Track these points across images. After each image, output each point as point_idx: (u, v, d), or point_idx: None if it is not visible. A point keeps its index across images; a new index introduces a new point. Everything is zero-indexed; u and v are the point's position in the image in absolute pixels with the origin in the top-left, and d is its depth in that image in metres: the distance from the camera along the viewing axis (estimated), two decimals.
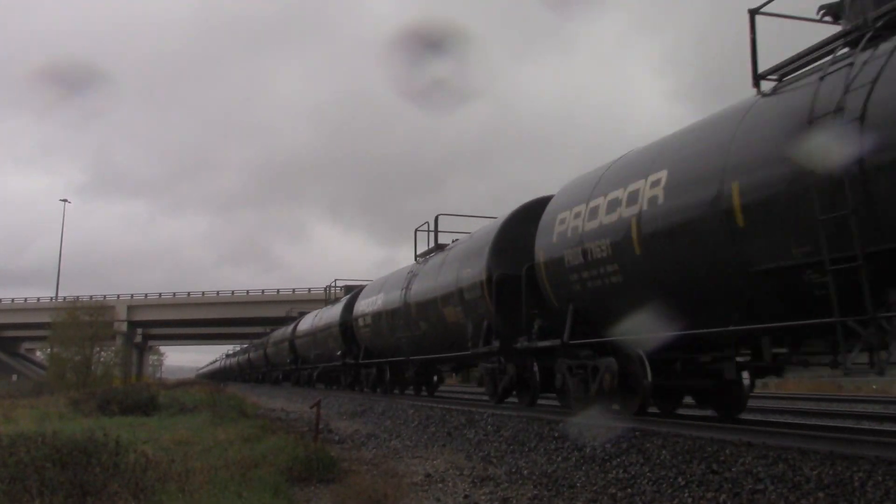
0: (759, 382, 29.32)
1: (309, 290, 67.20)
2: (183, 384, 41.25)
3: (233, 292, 74.82)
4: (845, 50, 6.69)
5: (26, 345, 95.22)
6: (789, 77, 7.33)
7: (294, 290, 69.72)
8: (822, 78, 6.50)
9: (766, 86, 7.47)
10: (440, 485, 6.68)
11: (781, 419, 11.25)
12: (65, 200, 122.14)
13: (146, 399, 15.44)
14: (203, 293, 75.82)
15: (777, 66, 7.44)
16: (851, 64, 6.30)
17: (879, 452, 5.41)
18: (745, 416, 9.98)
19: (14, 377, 69.82)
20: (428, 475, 7.12)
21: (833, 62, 6.58)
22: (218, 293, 75.27)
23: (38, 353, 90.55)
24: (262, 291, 73.09)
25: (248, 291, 74.20)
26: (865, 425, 9.73)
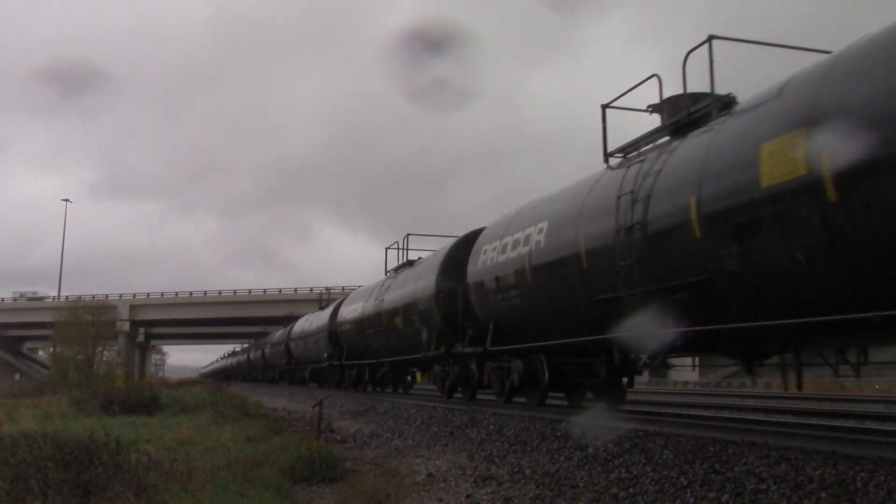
0: (760, 382, 29.44)
1: (311, 289, 67.21)
2: (185, 383, 41.30)
3: (235, 292, 74.91)
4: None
5: (29, 344, 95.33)
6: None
7: (296, 290, 69.77)
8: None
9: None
10: (442, 484, 6.68)
11: (784, 419, 11.24)
12: (66, 200, 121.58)
13: (148, 398, 15.47)
14: (205, 293, 75.91)
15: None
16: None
17: (882, 452, 5.41)
18: (747, 415, 9.98)
19: (17, 376, 70.01)
20: (430, 475, 7.13)
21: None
22: (220, 293, 75.37)
23: (41, 353, 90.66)
24: (265, 291, 73.17)
25: (250, 291, 74.28)
26: (868, 425, 9.72)
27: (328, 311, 27.71)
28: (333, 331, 25.49)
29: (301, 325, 33.38)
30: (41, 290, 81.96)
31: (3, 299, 79.14)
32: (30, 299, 77.60)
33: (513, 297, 11.38)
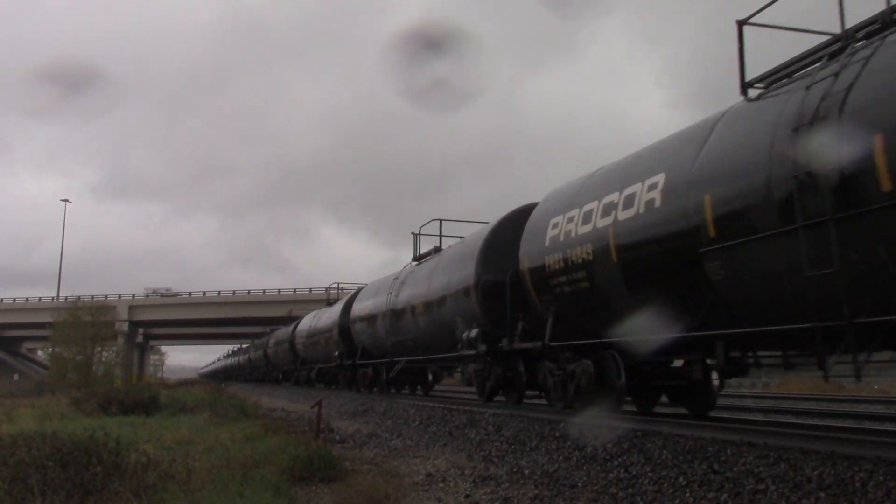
0: (759, 383, 29.43)
1: (310, 289, 67.22)
2: (184, 384, 41.26)
3: (234, 292, 74.86)
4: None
5: (27, 344, 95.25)
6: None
7: (295, 290, 69.79)
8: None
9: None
10: (441, 484, 6.67)
11: (783, 419, 11.25)
12: (65, 200, 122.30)
13: (147, 399, 15.44)
14: (204, 293, 75.88)
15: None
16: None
17: (881, 453, 5.41)
18: (746, 416, 9.99)
19: (15, 377, 69.80)
20: (429, 475, 7.12)
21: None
22: (219, 293, 75.33)
23: (40, 353, 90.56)
24: (264, 291, 73.15)
25: (248, 291, 74.27)
26: (867, 425, 9.72)
27: (339, 305, 25.65)
28: (345, 327, 23.73)
29: (308, 323, 30.97)
30: (173, 287, 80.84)
31: (124, 295, 76.89)
32: (163, 296, 77.27)
33: (580, 280, 9.80)
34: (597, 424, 7.91)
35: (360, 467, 7.76)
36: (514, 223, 12.81)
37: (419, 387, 21.65)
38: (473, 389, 14.25)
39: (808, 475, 5.10)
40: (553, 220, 10.59)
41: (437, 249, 17.94)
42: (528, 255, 11.24)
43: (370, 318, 20.91)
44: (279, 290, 72.02)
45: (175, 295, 77.12)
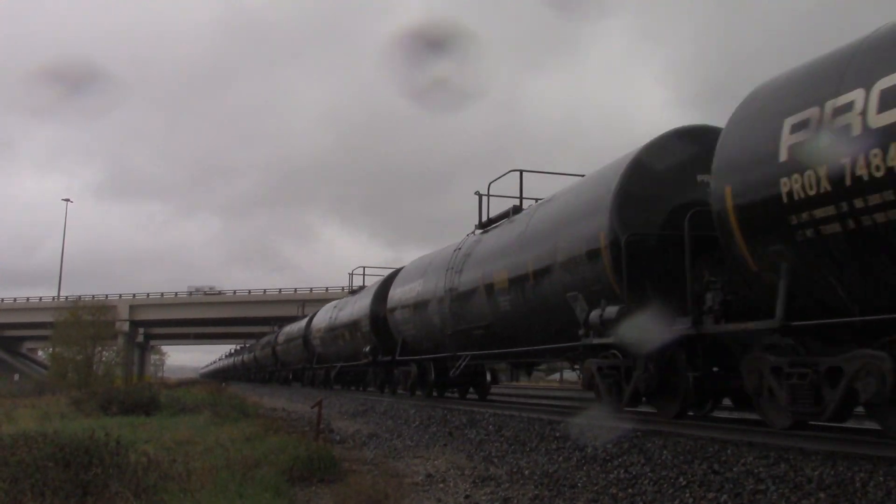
0: None
1: (311, 289, 67.32)
2: (184, 384, 41.29)
3: (235, 292, 74.95)
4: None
5: (28, 344, 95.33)
6: None
7: (296, 290, 69.84)
8: None
9: None
10: (441, 485, 6.67)
11: None
12: (66, 200, 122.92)
13: (147, 399, 15.44)
14: (205, 293, 75.90)
15: None
16: None
17: (881, 452, 5.41)
18: (746, 415, 9.95)
19: (16, 376, 69.88)
20: (429, 475, 7.12)
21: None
22: (220, 293, 75.37)
23: (40, 353, 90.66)
24: (264, 291, 73.24)
25: (249, 291, 74.33)
26: (867, 425, 9.70)
27: (369, 292, 21.82)
28: (379, 317, 19.85)
29: (327, 315, 26.64)
30: (216, 286, 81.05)
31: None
32: (206, 293, 77.37)
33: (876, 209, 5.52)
34: (596, 425, 7.91)
35: (359, 468, 7.76)
36: (672, 151, 9.15)
37: (472, 389, 17.51)
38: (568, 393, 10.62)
39: (809, 475, 5.10)
40: (793, 120, 6.30)
41: (517, 209, 13.86)
42: (735, 184, 6.90)
43: (418, 305, 16.69)
44: (280, 289, 72.18)
45: (220, 293, 77.26)
